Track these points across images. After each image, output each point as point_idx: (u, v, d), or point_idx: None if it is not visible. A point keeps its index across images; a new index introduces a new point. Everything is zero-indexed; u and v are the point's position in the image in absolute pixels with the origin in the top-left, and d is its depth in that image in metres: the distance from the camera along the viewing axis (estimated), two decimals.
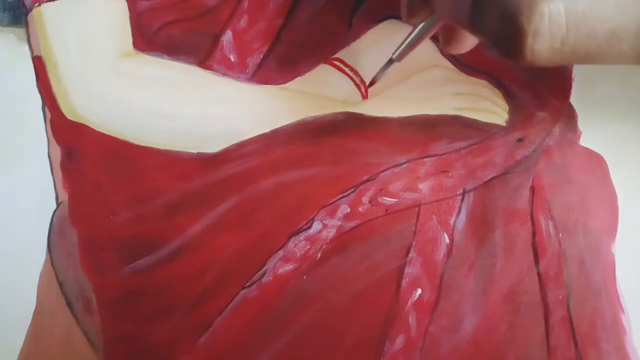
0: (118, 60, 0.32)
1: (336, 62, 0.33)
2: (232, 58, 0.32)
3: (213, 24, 0.33)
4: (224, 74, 0.32)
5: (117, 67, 0.32)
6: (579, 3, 0.19)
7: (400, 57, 0.28)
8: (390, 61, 0.28)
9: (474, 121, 0.32)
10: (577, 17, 0.19)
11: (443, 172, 0.32)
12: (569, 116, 0.33)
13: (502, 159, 0.32)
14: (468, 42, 0.27)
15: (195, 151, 0.31)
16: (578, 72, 0.33)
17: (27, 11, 0.32)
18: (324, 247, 0.30)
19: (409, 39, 0.27)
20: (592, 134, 0.33)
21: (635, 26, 0.20)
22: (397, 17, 0.32)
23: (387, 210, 0.31)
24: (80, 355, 0.30)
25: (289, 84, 0.33)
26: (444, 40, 0.28)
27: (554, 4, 0.19)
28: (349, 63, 0.33)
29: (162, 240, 0.30)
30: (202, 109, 0.32)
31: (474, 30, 0.22)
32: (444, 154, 0.32)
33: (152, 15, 0.32)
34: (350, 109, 0.32)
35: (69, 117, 0.32)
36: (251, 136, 0.32)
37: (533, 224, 0.31)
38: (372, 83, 0.31)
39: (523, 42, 0.20)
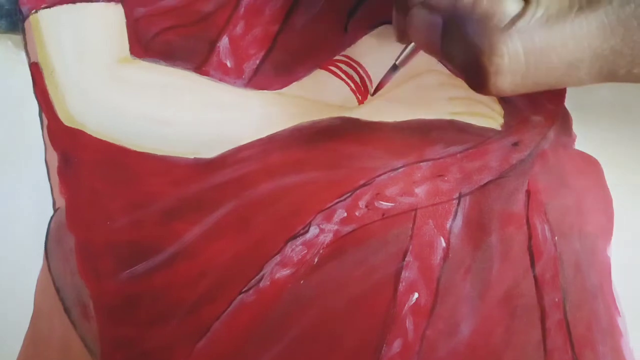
0: (115, 66, 0.32)
1: (332, 68, 0.33)
2: (228, 64, 0.32)
3: (209, 29, 0.33)
4: (220, 80, 0.32)
5: (114, 73, 0.32)
6: (536, 40, 0.21)
7: (403, 63, 0.29)
8: (395, 67, 0.29)
9: (470, 125, 0.33)
10: (535, 54, 0.21)
11: (439, 176, 0.32)
12: (564, 120, 0.33)
13: (497, 163, 0.32)
14: None
15: (192, 157, 0.31)
16: None
17: (24, 18, 0.32)
18: (321, 251, 0.30)
19: (408, 48, 0.28)
20: (586, 138, 0.33)
21: (589, 55, 0.21)
22: None
23: (383, 215, 0.31)
24: None
25: (285, 90, 0.33)
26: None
27: (512, 43, 0.21)
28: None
29: (159, 245, 0.31)
30: (198, 115, 0.32)
31: (446, 62, 0.24)
32: (439, 158, 0.32)
33: (149, 21, 0.33)
34: (347, 114, 0.32)
35: (66, 123, 0.32)
36: (248, 141, 0.32)
37: (529, 227, 0.31)
38: (377, 89, 0.31)
39: (486, 79, 0.22)
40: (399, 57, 0.28)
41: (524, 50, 0.21)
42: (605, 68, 0.22)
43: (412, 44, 0.27)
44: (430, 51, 0.24)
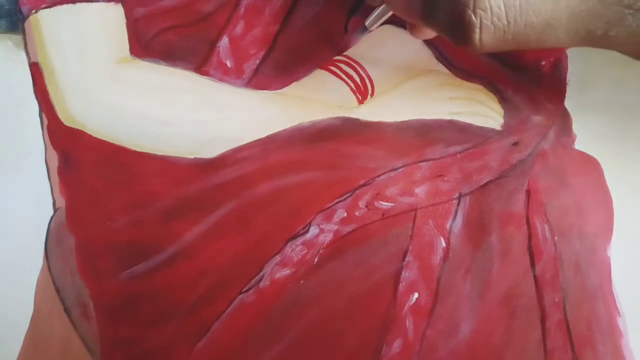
0: (115, 66, 0.32)
1: (332, 68, 0.33)
2: (228, 64, 0.32)
3: (209, 29, 0.33)
4: (220, 80, 0.32)
5: (114, 73, 0.32)
6: None
7: (372, 24, 0.30)
8: (364, 29, 0.30)
9: (470, 125, 0.33)
10: (515, 10, 0.22)
11: (439, 176, 0.32)
12: (564, 120, 0.33)
13: (497, 163, 0.32)
14: (429, 30, 0.29)
15: (192, 157, 0.31)
16: (572, 76, 0.33)
17: (24, 18, 0.32)
18: (321, 251, 0.30)
19: (379, 9, 0.29)
20: (586, 138, 0.33)
21: (567, 15, 0.22)
22: (393, 22, 0.33)
23: (383, 215, 0.31)
24: None
25: (285, 90, 0.33)
26: (409, 27, 0.31)
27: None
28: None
29: (159, 245, 0.31)
30: (198, 115, 0.32)
31: (427, 24, 0.25)
32: (439, 158, 0.32)
33: (149, 21, 0.33)
34: (346, 114, 0.32)
35: (66, 123, 0.32)
36: (248, 141, 0.32)
37: (529, 227, 0.31)
38: (345, 49, 0.32)
39: (472, 33, 0.23)
40: (368, 18, 0.29)
41: (505, 5, 0.22)
42: (582, 29, 0.23)
43: (383, 5, 0.28)
44: (410, 14, 0.26)
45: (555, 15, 0.22)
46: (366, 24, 0.30)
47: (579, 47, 0.24)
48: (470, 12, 0.22)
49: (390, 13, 0.29)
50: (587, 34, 0.23)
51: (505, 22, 0.23)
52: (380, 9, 0.29)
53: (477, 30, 0.23)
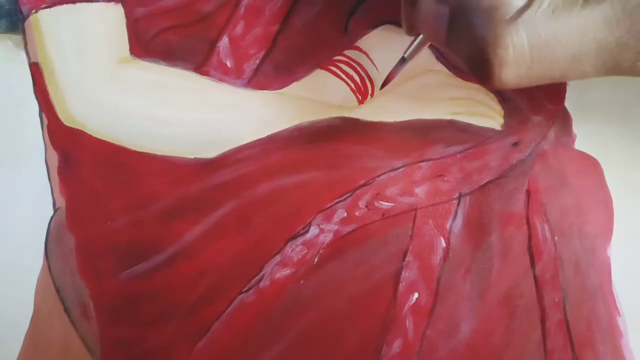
0: (115, 66, 0.32)
1: (332, 68, 0.33)
2: (228, 64, 0.32)
3: (209, 29, 0.33)
4: (220, 80, 0.32)
5: (114, 73, 0.32)
6: (541, 32, 0.21)
7: (411, 56, 0.29)
8: (403, 60, 0.29)
9: (470, 125, 0.33)
10: (540, 46, 0.21)
11: (439, 176, 0.32)
12: (564, 120, 0.33)
13: (497, 163, 0.32)
14: None
15: (192, 157, 0.31)
16: None
17: (24, 18, 0.32)
18: (321, 251, 0.30)
19: (417, 40, 0.28)
20: (586, 138, 0.33)
21: (595, 48, 0.21)
22: (393, 22, 0.33)
23: (383, 215, 0.31)
24: None
25: (285, 89, 0.33)
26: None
27: (518, 36, 0.21)
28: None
29: (159, 245, 0.31)
30: (198, 115, 0.32)
31: (451, 53, 0.24)
32: (439, 158, 0.32)
33: (149, 21, 0.33)
34: (347, 114, 0.32)
35: (66, 123, 0.32)
36: (248, 141, 0.32)
37: (529, 227, 0.31)
38: (385, 82, 0.31)
39: (491, 71, 0.22)
40: (407, 49, 0.29)
41: (529, 42, 0.21)
42: (610, 61, 0.22)
43: (421, 36, 0.28)
44: (437, 42, 0.24)
45: (584, 49, 0.21)
46: (405, 55, 0.29)
47: (604, 76, 0.23)
48: (489, 51, 0.21)
49: (428, 43, 0.28)
50: (615, 66, 0.22)
51: (529, 60, 0.21)
52: (419, 39, 0.28)
53: (498, 69, 0.22)
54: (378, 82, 0.32)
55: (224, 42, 0.33)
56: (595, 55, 0.21)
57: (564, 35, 0.21)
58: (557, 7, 0.21)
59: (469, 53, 0.22)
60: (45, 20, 0.32)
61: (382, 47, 0.33)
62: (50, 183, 0.32)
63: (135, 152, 0.31)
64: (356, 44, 0.33)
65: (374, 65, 0.33)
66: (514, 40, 0.21)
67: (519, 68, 0.21)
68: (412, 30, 0.27)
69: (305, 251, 0.30)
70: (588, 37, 0.21)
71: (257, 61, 0.33)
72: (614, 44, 0.21)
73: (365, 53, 0.33)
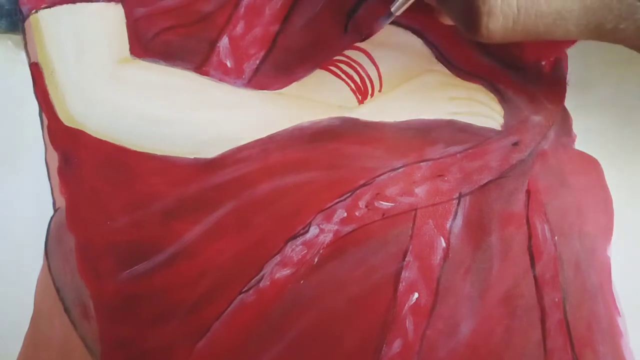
0: (115, 66, 0.32)
1: (332, 68, 0.33)
2: (228, 64, 0.32)
3: (209, 29, 0.33)
4: (220, 80, 0.32)
5: (114, 73, 0.32)
6: None
7: (398, 9, 0.29)
8: (390, 14, 0.29)
9: (470, 125, 0.33)
10: None
11: (439, 176, 0.32)
12: (564, 120, 0.33)
13: (497, 163, 0.32)
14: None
15: (192, 157, 0.31)
16: (572, 76, 0.33)
17: (24, 18, 0.32)
18: (321, 251, 0.30)
19: None
20: (586, 138, 0.33)
21: (579, 6, 0.22)
22: (393, 22, 0.33)
23: (383, 215, 0.31)
24: None
25: (285, 90, 0.33)
26: (435, 12, 0.30)
27: None
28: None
29: (159, 245, 0.31)
30: (198, 115, 0.32)
31: (442, 9, 0.25)
32: (439, 158, 0.32)
33: (149, 21, 0.33)
34: (346, 114, 0.32)
35: (66, 123, 0.32)
36: (248, 141, 0.32)
37: (529, 227, 0.31)
38: (369, 35, 0.31)
39: (479, 21, 0.23)
40: (394, 2, 0.29)
41: None
42: (593, 21, 0.22)
43: None
44: None
45: (567, 6, 0.22)
46: (392, 9, 0.29)
47: (585, 40, 0.24)
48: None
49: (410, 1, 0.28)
50: (597, 27, 0.23)
51: (516, 11, 0.22)
52: None
53: (485, 18, 0.22)
54: (384, 80, 0.32)
55: (224, 42, 0.33)
56: (579, 13, 0.22)
57: None
58: None
59: (458, 5, 0.23)
60: (45, 20, 0.32)
61: (382, 47, 0.33)
62: (50, 183, 0.32)
63: (135, 152, 0.31)
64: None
65: (374, 65, 0.33)
66: None
67: (506, 19, 0.22)
68: None
69: (305, 251, 0.30)
70: None
71: (257, 61, 0.33)
72: (597, 4, 0.22)
73: (365, 53, 0.33)
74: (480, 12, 0.22)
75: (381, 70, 0.33)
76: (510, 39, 0.24)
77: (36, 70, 0.32)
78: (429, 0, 0.26)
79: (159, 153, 0.31)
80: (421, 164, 0.32)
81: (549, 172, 0.32)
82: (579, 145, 0.33)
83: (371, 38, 0.33)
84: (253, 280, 0.30)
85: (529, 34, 0.23)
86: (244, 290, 0.30)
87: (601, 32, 0.23)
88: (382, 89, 0.32)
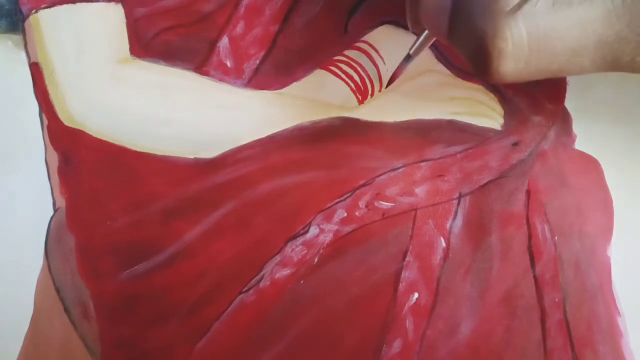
0: (115, 66, 0.32)
1: (332, 68, 0.33)
2: (228, 64, 0.32)
3: (209, 29, 0.33)
4: (220, 80, 0.32)
5: (114, 73, 0.32)
6: (540, 24, 0.21)
7: (416, 52, 0.29)
8: (408, 57, 0.29)
9: (470, 125, 0.33)
10: (539, 39, 0.21)
11: (439, 176, 0.32)
12: (564, 120, 0.33)
13: (497, 163, 0.32)
14: None
15: (192, 156, 0.31)
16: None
17: (24, 18, 0.32)
18: (321, 251, 0.30)
19: (422, 37, 0.28)
20: (586, 138, 0.33)
21: (594, 42, 0.21)
22: (393, 22, 0.33)
23: (383, 215, 0.31)
24: None
25: (285, 90, 0.33)
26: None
27: (517, 27, 0.21)
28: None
29: (159, 245, 0.31)
30: (198, 115, 0.32)
31: (453, 46, 0.24)
32: (439, 158, 0.32)
33: (149, 21, 0.33)
34: (347, 114, 0.32)
35: (66, 124, 0.32)
36: (248, 141, 0.32)
37: (529, 227, 0.31)
38: (391, 80, 0.31)
39: (489, 63, 0.21)
40: (412, 46, 0.29)
41: (528, 34, 0.21)
42: (609, 55, 0.21)
43: (426, 32, 0.28)
44: (439, 36, 0.24)
45: (582, 43, 0.21)
46: (410, 52, 0.29)
47: (603, 72, 0.23)
48: (488, 42, 0.21)
49: (434, 39, 0.28)
50: (614, 60, 0.22)
51: (528, 53, 0.21)
52: (424, 35, 0.28)
53: (496, 60, 0.21)
54: (384, 79, 0.32)
55: (224, 42, 0.33)
56: (594, 49, 0.21)
57: (563, 28, 0.21)
58: (557, 0, 0.21)
59: (468, 45, 0.22)
60: (45, 20, 0.32)
61: (382, 47, 0.33)
62: (50, 183, 0.32)
63: (135, 152, 0.31)
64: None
65: (375, 65, 0.33)
66: (513, 32, 0.21)
67: (518, 60, 0.21)
68: (416, 26, 0.27)
69: (305, 251, 0.30)
70: (587, 30, 0.21)
71: (257, 61, 0.33)
72: (613, 37, 0.21)
73: (365, 53, 0.33)
74: (490, 54, 0.21)
75: (381, 70, 0.33)
76: (523, 78, 0.22)
77: (36, 70, 0.32)
78: (440, 39, 0.25)
79: (159, 153, 0.31)
80: (421, 164, 0.32)
81: (549, 172, 0.32)
82: (579, 145, 0.33)
83: (371, 38, 0.33)
84: (253, 280, 0.30)
85: (543, 73, 0.22)
86: (244, 290, 0.30)
87: (617, 65, 0.22)
88: (382, 89, 0.32)
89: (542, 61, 0.21)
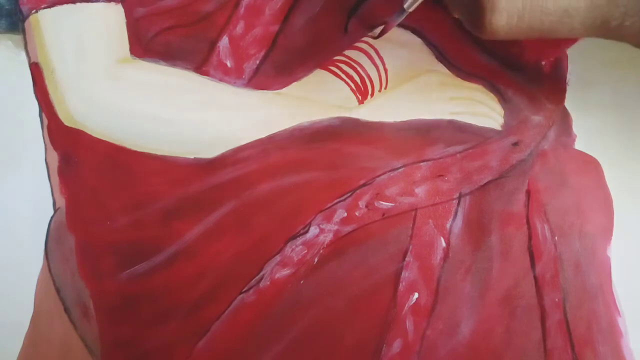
0: (115, 66, 0.32)
1: (332, 68, 0.33)
2: (228, 64, 0.32)
3: (209, 29, 0.33)
4: (220, 80, 0.32)
5: (114, 73, 0.32)
6: None
7: (410, 5, 0.29)
8: (402, 11, 0.30)
9: (470, 125, 0.33)
10: None
11: (439, 176, 0.32)
12: (564, 120, 0.33)
13: (497, 163, 0.32)
14: None
15: (192, 156, 0.31)
16: (572, 76, 0.33)
17: (24, 18, 0.32)
18: (321, 251, 0.30)
19: None
20: (586, 138, 0.33)
21: (586, 3, 0.22)
22: None
23: (383, 215, 0.31)
24: None
25: (285, 90, 0.33)
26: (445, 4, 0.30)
27: None
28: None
29: (159, 245, 0.31)
30: (198, 115, 0.32)
31: (448, 3, 0.24)
32: (439, 158, 0.32)
33: (149, 21, 0.33)
34: (346, 114, 0.32)
35: (66, 123, 0.32)
36: (248, 141, 0.32)
37: (529, 227, 0.31)
38: (383, 32, 0.31)
39: (483, 17, 0.22)
40: (406, 0, 0.29)
41: None
42: (599, 18, 0.22)
43: None
44: None
45: (574, 3, 0.22)
46: (405, 6, 0.29)
47: (590, 37, 0.24)
48: None
49: None
50: (603, 24, 0.23)
51: (520, 7, 0.22)
52: None
53: (489, 14, 0.22)
54: (378, 82, 0.32)
55: (224, 42, 0.33)
56: (586, 10, 0.22)
57: None
58: None
59: (464, 1, 0.23)
60: (45, 20, 0.32)
61: (382, 47, 0.33)
62: (50, 183, 0.32)
63: (135, 151, 0.31)
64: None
65: (375, 65, 0.33)
66: None
67: (510, 16, 0.22)
68: None
69: (305, 251, 0.30)
70: None
71: (257, 61, 0.33)
72: (604, 0, 0.22)
73: (365, 53, 0.33)
74: (485, 8, 0.22)
75: (381, 70, 0.33)
76: (514, 35, 0.23)
77: (36, 70, 0.32)
78: None
79: (159, 153, 0.31)
80: (421, 164, 0.32)
81: (549, 172, 0.32)
82: (579, 145, 0.33)
83: (371, 38, 0.33)
84: (253, 280, 0.30)
85: (533, 31, 0.23)
86: (244, 290, 0.30)
87: (606, 29, 0.23)
88: (382, 89, 0.32)
89: (534, 19, 0.22)
